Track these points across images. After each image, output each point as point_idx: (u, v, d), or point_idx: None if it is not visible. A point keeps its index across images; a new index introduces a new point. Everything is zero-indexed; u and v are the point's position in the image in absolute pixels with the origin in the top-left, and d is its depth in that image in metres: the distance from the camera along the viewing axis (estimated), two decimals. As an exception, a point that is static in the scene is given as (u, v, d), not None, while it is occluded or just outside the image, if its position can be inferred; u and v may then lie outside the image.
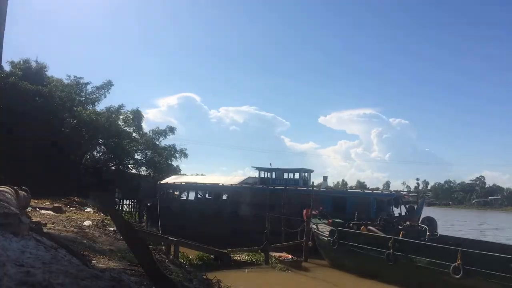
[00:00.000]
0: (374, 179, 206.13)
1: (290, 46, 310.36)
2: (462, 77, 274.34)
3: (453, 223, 63.44)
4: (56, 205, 20.86)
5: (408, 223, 20.74)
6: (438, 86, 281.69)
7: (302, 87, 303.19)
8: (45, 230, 11.00)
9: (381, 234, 18.52)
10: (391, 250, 15.70)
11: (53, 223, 14.19)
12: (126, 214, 38.63)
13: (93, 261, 7.26)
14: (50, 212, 18.10)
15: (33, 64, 37.32)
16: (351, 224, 21.15)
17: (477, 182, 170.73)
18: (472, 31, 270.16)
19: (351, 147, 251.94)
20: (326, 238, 19.67)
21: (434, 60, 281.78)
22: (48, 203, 22.14)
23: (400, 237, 17.42)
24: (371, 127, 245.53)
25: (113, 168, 41.69)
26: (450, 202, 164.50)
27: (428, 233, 18.66)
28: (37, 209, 18.45)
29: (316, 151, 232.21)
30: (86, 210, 23.26)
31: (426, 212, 29.19)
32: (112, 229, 14.09)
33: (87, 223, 15.37)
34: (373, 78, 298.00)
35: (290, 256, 21.31)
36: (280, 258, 20.98)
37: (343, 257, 18.66)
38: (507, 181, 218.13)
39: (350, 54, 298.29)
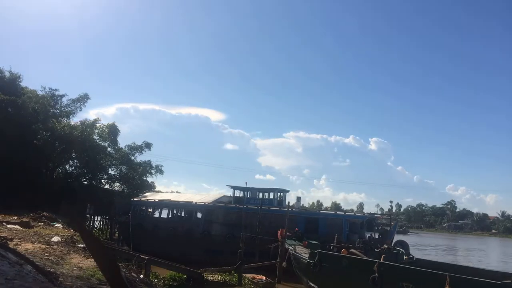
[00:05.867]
0: (349, 201, 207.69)
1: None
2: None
3: (427, 246, 64.47)
4: (24, 219, 20.26)
5: (385, 246, 20.78)
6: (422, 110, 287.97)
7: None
8: (11, 245, 10.64)
9: (365, 258, 18.44)
10: (376, 274, 15.60)
11: (20, 238, 13.77)
12: (97, 231, 37.73)
13: (60, 279, 7.04)
14: (17, 226, 17.58)
15: (7, 74, 36.59)
16: (331, 247, 21.00)
17: (448, 206, 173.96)
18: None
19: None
20: (305, 261, 19.39)
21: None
22: (15, 218, 21.48)
23: (382, 261, 17.35)
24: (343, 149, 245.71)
25: (85, 182, 40.76)
26: (422, 226, 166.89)
27: (405, 257, 18.75)
28: (3, 223, 17.89)
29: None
30: (55, 225, 22.64)
31: (404, 236, 29.39)
32: (81, 245, 13.74)
33: (55, 239, 14.96)
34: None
35: (263, 278, 21.09)
36: (254, 280, 20.72)
37: (324, 281, 18.40)
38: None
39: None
